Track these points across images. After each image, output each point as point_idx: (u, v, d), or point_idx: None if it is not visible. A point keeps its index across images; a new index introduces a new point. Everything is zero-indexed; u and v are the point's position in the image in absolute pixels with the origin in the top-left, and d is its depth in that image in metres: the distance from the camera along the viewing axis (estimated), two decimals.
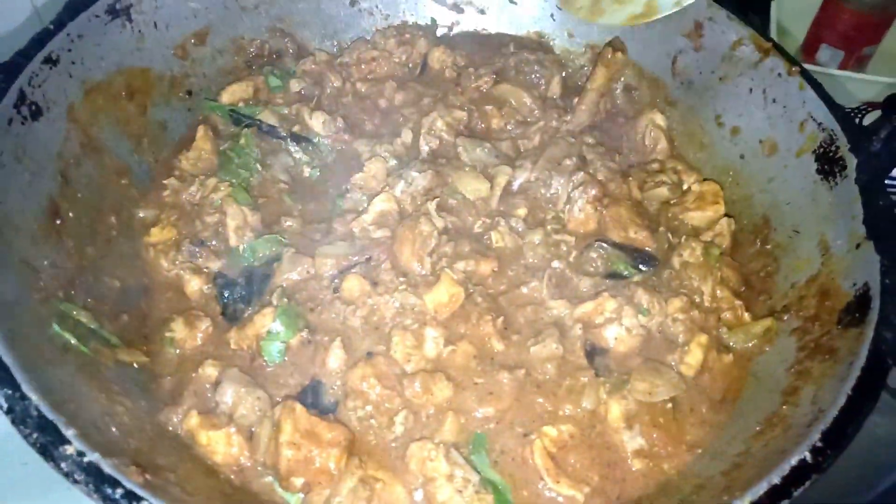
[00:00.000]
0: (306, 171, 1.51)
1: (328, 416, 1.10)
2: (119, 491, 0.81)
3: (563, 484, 1.07)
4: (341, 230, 1.36)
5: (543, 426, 1.13)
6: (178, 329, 1.23)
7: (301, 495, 1.05)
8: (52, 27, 1.28)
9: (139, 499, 0.81)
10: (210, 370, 1.16)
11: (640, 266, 1.33)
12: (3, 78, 1.17)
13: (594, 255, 1.35)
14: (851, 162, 1.23)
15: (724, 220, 1.40)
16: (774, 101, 1.42)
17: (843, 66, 2.26)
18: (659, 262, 1.35)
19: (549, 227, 1.39)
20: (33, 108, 1.20)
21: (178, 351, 1.22)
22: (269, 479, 1.07)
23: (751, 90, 1.47)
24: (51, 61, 1.25)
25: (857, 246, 1.16)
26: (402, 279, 1.26)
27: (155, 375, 1.19)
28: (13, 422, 0.85)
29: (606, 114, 1.67)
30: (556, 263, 1.32)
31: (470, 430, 1.13)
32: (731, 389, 1.21)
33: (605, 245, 1.35)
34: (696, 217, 1.42)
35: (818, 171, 1.30)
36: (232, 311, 1.27)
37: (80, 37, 1.32)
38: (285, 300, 1.23)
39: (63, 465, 0.82)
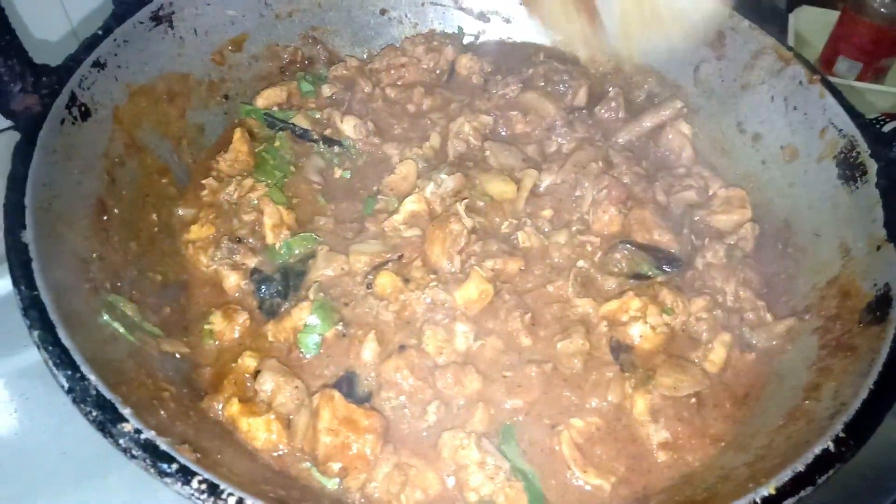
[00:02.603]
0: (338, 173, 1.56)
1: (363, 404, 1.14)
2: (174, 466, 0.86)
3: (590, 474, 1.10)
4: (373, 229, 1.40)
5: (570, 418, 1.16)
6: (217, 322, 1.28)
7: (338, 480, 1.09)
8: (100, 33, 1.34)
9: (193, 474, 0.85)
10: (249, 361, 1.21)
11: (664, 267, 1.37)
12: (56, 80, 1.23)
13: (618, 255, 1.38)
14: (872, 167, 1.26)
15: (749, 225, 1.44)
16: (795, 108, 1.46)
17: (860, 78, 2.29)
18: (682, 262, 1.38)
19: (574, 228, 1.43)
20: (83, 108, 1.26)
21: (217, 343, 1.27)
22: (307, 464, 1.11)
23: (772, 98, 1.51)
24: (99, 65, 1.31)
25: (878, 248, 1.19)
26: (432, 276, 1.30)
27: (196, 365, 1.23)
28: (74, 401, 0.89)
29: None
30: (581, 263, 1.36)
31: (499, 421, 1.17)
32: (754, 386, 1.24)
33: (629, 246, 1.39)
34: (723, 220, 1.46)
35: (839, 177, 1.34)
36: (269, 306, 1.31)
37: (126, 42, 1.38)
38: (321, 295, 1.27)
39: (121, 441, 0.87)
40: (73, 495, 1.38)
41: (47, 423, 1.47)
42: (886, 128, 2.00)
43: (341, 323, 1.26)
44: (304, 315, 1.24)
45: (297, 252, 1.37)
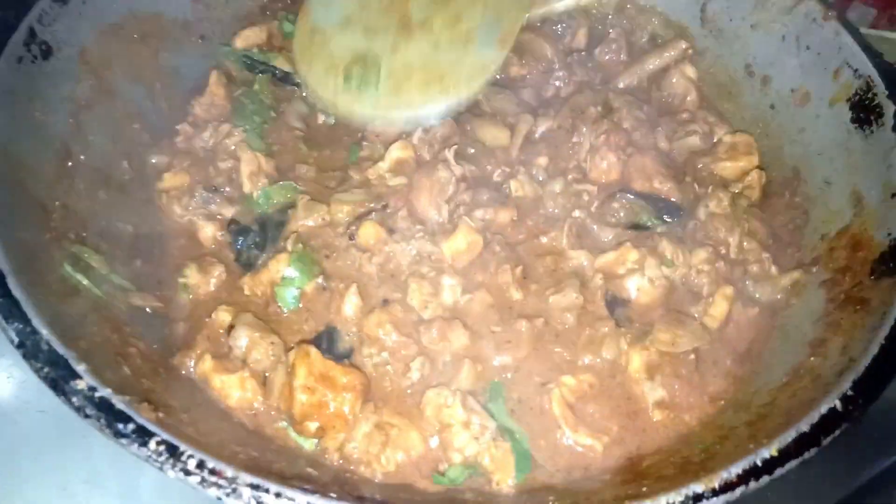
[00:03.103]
0: (321, 119, 1.47)
1: (343, 361, 1.08)
2: (130, 426, 0.80)
3: (581, 433, 1.05)
4: (357, 178, 1.33)
5: (562, 376, 1.10)
6: (192, 275, 1.21)
7: (315, 440, 1.03)
8: None
9: (150, 434, 0.79)
10: (223, 315, 1.15)
11: (665, 217, 1.29)
12: (12, 14, 1.14)
13: (616, 205, 1.31)
14: (889, 109, 1.18)
15: (755, 172, 1.36)
16: (808, 48, 1.37)
17: (874, 25, 2.18)
18: (684, 212, 1.31)
19: (570, 177, 1.35)
20: (44, 47, 1.18)
21: (191, 296, 1.21)
22: (283, 423, 1.06)
23: (783, 37, 1.41)
24: (60, 0, 1.22)
25: (893, 196, 1.11)
26: (419, 227, 1.23)
27: (168, 320, 1.17)
28: (24, 356, 0.83)
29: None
30: (576, 213, 1.29)
31: (487, 378, 1.11)
32: (757, 342, 1.18)
33: (628, 195, 1.31)
34: (728, 167, 1.38)
35: (852, 120, 1.25)
36: (246, 258, 1.25)
37: None
38: (300, 246, 1.20)
39: (74, 399, 0.81)
40: (53, 454, 1.33)
41: (25, 382, 1.42)
42: None
43: (321, 276, 1.19)
44: (281, 267, 1.18)
45: (275, 201, 1.30)
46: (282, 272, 1.18)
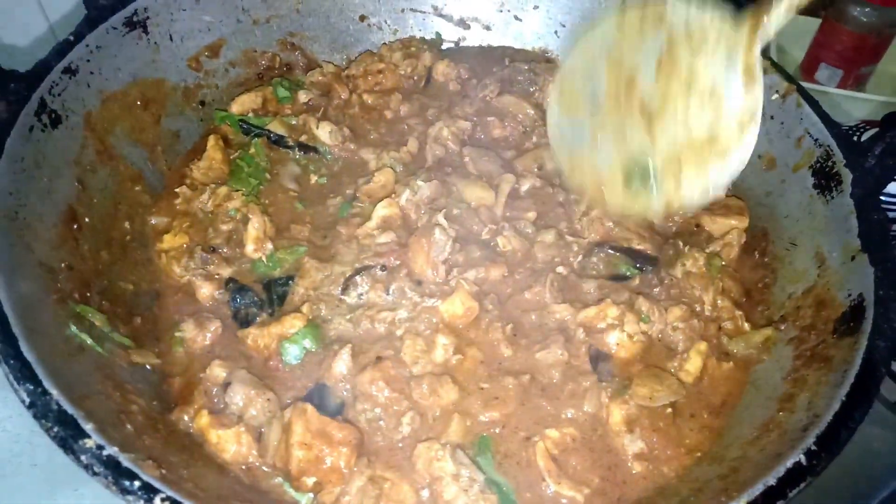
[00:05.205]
0: (313, 179, 1.54)
1: (336, 417, 1.13)
2: (136, 483, 0.84)
3: (564, 485, 1.09)
4: (345, 233, 1.39)
5: (546, 429, 1.15)
6: (188, 329, 1.26)
7: (311, 495, 1.07)
8: (72, 38, 1.32)
9: (156, 491, 0.84)
10: (218, 371, 1.19)
11: (641, 266, 1.37)
12: (25, 87, 1.20)
13: (596, 259, 1.38)
14: (847, 177, 1.26)
15: (736, 232, 1.44)
16: (772, 117, 1.46)
17: (842, 85, 2.30)
18: (658, 261, 1.39)
19: (562, 227, 1.43)
20: (53, 116, 1.24)
21: (185, 349, 1.25)
22: (279, 479, 1.09)
23: None
24: (70, 71, 1.29)
25: (852, 258, 1.19)
26: (415, 287, 1.29)
27: (166, 375, 1.21)
28: (35, 416, 0.87)
29: None
30: (560, 269, 1.36)
31: (475, 432, 1.15)
32: (731, 395, 1.23)
33: (607, 249, 1.39)
34: (719, 223, 1.46)
35: (815, 186, 1.34)
36: (244, 315, 1.29)
37: (99, 48, 1.36)
38: (317, 314, 1.27)
39: (83, 457, 0.85)
40: None
41: (18, 435, 1.44)
42: (866, 136, 2.01)
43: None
44: (297, 323, 1.23)
45: (285, 265, 1.35)
46: (294, 329, 1.23)
